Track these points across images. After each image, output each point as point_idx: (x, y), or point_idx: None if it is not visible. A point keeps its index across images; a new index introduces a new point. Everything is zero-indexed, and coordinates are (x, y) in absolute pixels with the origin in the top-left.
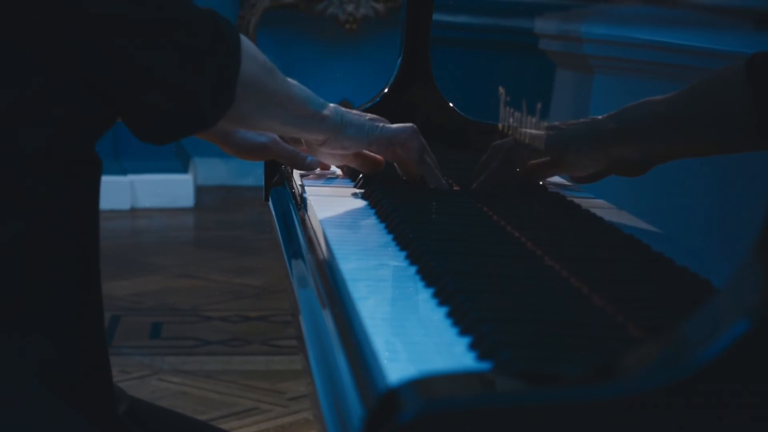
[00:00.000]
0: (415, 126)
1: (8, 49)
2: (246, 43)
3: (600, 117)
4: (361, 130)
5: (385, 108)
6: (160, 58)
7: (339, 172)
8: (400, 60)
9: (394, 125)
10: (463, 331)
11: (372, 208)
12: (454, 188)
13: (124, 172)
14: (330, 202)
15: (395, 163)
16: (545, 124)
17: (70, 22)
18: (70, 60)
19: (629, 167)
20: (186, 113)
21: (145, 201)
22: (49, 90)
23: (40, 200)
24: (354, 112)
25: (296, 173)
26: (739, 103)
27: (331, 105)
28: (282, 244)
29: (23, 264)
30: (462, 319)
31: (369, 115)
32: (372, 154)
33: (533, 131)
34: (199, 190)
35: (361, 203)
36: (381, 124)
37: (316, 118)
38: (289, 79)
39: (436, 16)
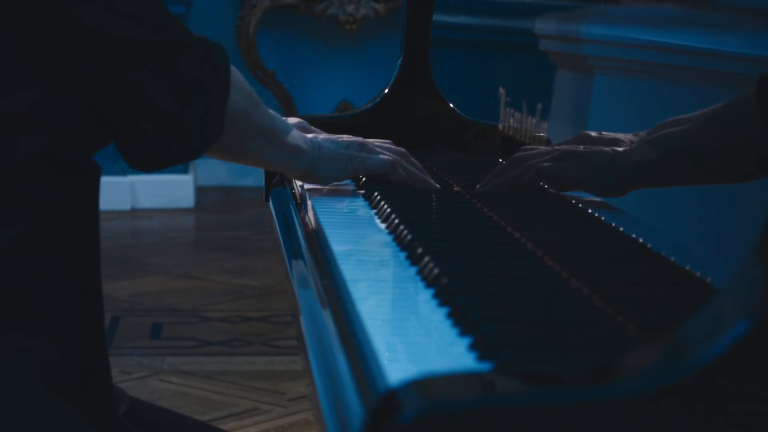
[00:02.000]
0: (390, 159)
1: (14, 56)
2: (235, 74)
3: (621, 148)
4: (337, 166)
5: (385, 108)
6: (153, 82)
7: None
8: (400, 60)
9: (371, 158)
10: (463, 332)
11: (372, 208)
12: (455, 188)
13: (124, 172)
14: (330, 203)
15: None
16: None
17: (70, 36)
18: (69, 73)
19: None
20: (173, 142)
21: (146, 201)
22: (50, 99)
23: (39, 203)
24: (332, 138)
25: None
26: (752, 136)
27: (311, 138)
28: (282, 244)
29: (23, 266)
30: (462, 320)
31: (347, 140)
32: None
33: (556, 154)
34: (200, 191)
35: (361, 204)
36: (359, 156)
37: (294, 153)
38: (271, 111)
39: (436, 17)
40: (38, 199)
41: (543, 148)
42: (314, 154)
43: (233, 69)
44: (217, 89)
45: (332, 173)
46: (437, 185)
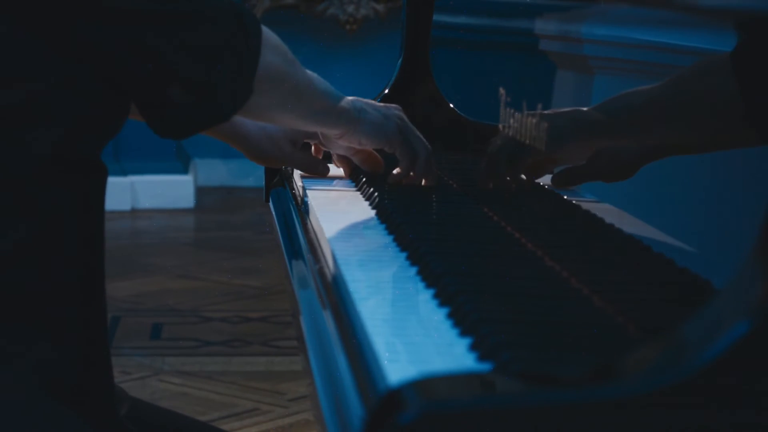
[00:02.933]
0: (428, 147)
1: (25, 40)
2: (268, 35)
3: (588, 108)
4: (377, 132)
5: None
6: (180, 50)
7: (340, 172)
8: (400, 61)
9: (414, 137)
10: (463, 332)
11: (373, 209)
12: (455, 188)
13: (124, 172)
14: (330, 203)
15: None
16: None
17: (92, 10)
18: (89, 51)
19: (619, 163)
20: (202, 106)
21: (146, 202)
22: (62, 87)
23: (47, 204)
24: (371, 104)
25: (296, 174)
26: (725, 92)
27: (349, 98)
28: (282, 244)
29: (26, 268)
30: (462, 320)
31: (384, 107)
32: (376, 156)
33: (523, 125)
34: (200, 191)
35: (361, 204)
36: (399, 128)
37: (334, 113)
38: (309, 72)
39: (436, 17)
40: (46, 200)
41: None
42: (353, 114)
43: (267, 31)
44: (247, 51)
45: (371, 137)
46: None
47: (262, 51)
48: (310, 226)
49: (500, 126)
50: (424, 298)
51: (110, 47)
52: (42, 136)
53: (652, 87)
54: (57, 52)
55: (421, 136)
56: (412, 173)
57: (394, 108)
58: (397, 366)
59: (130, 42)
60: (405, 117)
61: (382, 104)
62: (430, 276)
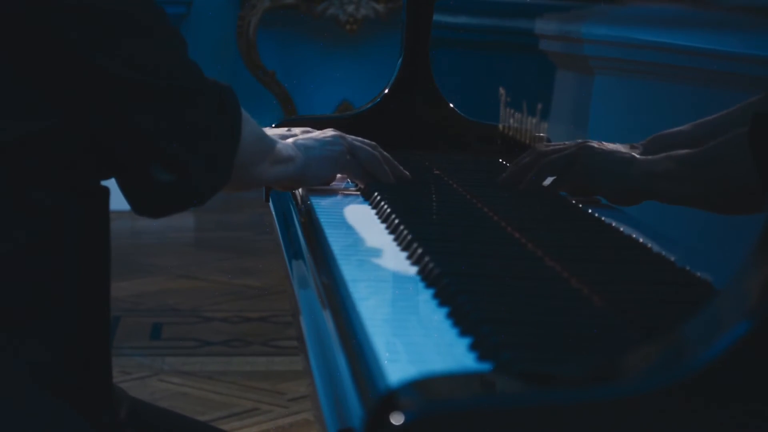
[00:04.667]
0: (374, 152)
1: (25, 86)
2: (244, 114)
3: (630, 153)
4: (326, 165)
5: (385, 109)
6: (160, 128)
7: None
8: (400, 61)
9: (363, 152)
10: (463, 332)
11: (372, 208)
12: (455, 188)
13: None
14: (330, 203)
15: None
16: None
17: (81, 76)
18: (76, 111)
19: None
20: (181, 189)
21: None
22: (61, 131)
23: (46, 210)
24: (314, 137)
25: None
26: (744, 174)
27: (293, 142)
28: (282, 244)
29: (30, 272)
30: (462, 320)
31: (328, 136)
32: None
33: (569, 151)
34: None
35: (361, 204)
36: (346, 150)
37: (287, 163)
38: (263, 130)
39: (436, 17)
40: (47, 206)
41: (559, 146)
42: (302, 158)
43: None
44: (227, 136)
45: (323, 173)
46: (408, 174)
47: (242, 134)
48: (309, 226)
49: (546, 140)
50: (424, 297)
51: (92, 110)
52: (39, 165)
53: (686, 153)
54: (49, 100)
55: (363, 142)
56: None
57: (330, 131)
58: (397, 366)
59: (114, 109)
60: (343, 134)
61: (319, 132)
62: (430, 276)
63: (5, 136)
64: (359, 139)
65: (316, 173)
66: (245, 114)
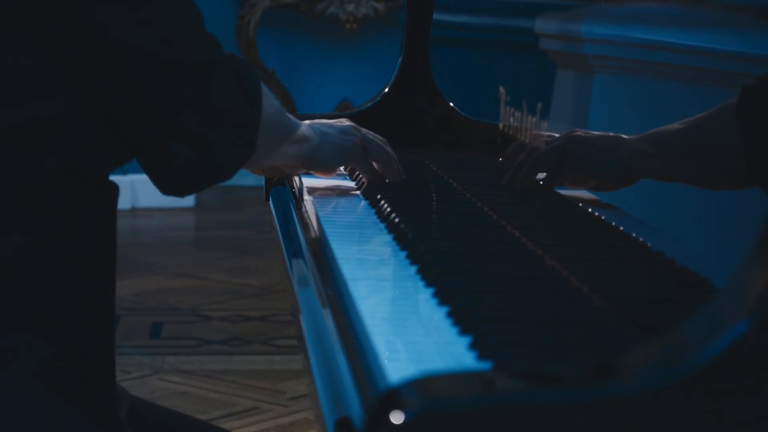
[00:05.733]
0: (389, 150)
1: (36, 67)
2: (264, 88)
3: (619, 136)
4: (340, 151)
5: (385, 108)
6: (181, 105)
7: (341, 170)
8: (400, 60)
9: (375, 145)
10: (463, 331)
11: (372, 207)
12: (455, 188)
13: (124, 171)
14: (330, 202)
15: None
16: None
17: (99, 54)
18: (93, 89)
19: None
20: (205, 166)
21: (146, 201)
22: (74, 113)
23: (52, 210)
24: (330, 123)
25: None
26: (731, 147)
27: (310, 123)
28: (282, 243)
29: (32, 271)
30: (462, 319)
31: (338, 122)
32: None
33: (553, 140)
34: None
35: (361, 203)
36: (359, 142)
37: (303, 142)
38: (282, 109)
39: (436, 16)
40: (53, 206)
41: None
42: (317, 141)
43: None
44: (249, 110)
45: (333, 160)
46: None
47: (263, 105)
48: (309, 225)
49: (524, 135)
50: (424, 296)
51: (110, 86)
52: (49, 153)
53: (675, 131)
54: (67, 80)
55: (376, 137)
56: (387, 178)
57: (345, 121)
58: (397, 365)
59: (135, 86)
60: (357, 126)
61: (334, 120)
62: (430, 275)
63: (17, 117)
64: (372, 133)
65: (326, 158)
66: (265, 88)
